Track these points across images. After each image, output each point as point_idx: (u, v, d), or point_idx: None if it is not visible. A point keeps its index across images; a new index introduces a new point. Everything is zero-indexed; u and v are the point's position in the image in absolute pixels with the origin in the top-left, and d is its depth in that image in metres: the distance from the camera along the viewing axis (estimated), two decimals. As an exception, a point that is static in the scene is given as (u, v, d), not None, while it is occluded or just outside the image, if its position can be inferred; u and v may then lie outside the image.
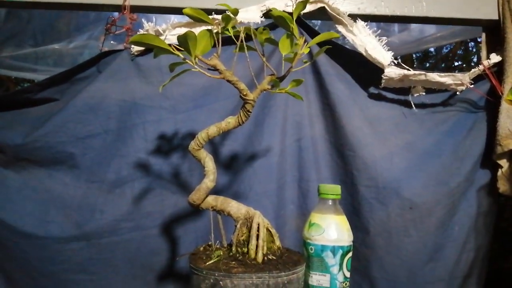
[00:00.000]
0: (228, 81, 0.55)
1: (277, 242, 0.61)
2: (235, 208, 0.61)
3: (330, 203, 0.66)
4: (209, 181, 0.59)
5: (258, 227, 0.58)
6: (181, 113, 0.88)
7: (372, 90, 0.92)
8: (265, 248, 0.57)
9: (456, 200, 0.89)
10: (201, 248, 0.63)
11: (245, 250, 0.58)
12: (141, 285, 0.88)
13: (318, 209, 0.66)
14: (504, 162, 0.87)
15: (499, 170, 0.88)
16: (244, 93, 0.56)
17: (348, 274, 0.64)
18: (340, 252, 0.63)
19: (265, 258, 0.57)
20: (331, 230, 0.63)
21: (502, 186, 0.87)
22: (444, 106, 0.93)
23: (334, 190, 0.65)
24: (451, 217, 0.90)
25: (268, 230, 0.60)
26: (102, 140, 0.87)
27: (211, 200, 0.62)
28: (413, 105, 0.90)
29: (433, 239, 0.89)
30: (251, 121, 0.90)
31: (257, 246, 0.57)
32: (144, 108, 0.88)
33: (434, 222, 0.88)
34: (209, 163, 0.60)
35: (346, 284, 0.63)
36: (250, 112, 0.58)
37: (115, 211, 0.86)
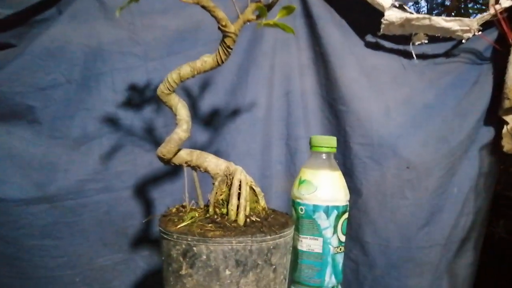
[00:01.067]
0: (203, 7, 0.45)
1: (262, 202, 0.52)
2: (213, 163, 0.52)
3: (324, 157, 0.57)
4: (181, 131, 0.50)
5: (240, 185, 0.50)
6: (154, 61, 0.78)
7: (370, 38, 0.84)
8: (247, 208, 0.49)
9: (456, 160, 0.83)
10: (174, 210, 0.55)
11: (224, 211, 0.50)
12: (113, 251, 0.81)
13: (309, 164, 0.58)
14: (510, 118, 0.79)
15: (504, 127, 0.81)
16: (223, 23, 0.46)
17: (343, 238, 0.57)
18: (335, 213, 0.55)
19: (248, 220, 0.49)
20: (325, 187, 0.55)
21: (507, 145, 0.80)
22: (447, 57, 0.85)
23: (328, 142, 0.57)
24: (451, 177, 0.84)
25: (251, 188, 0.52)
26: (64, 91, 0.77)
27: (185, 154, 0.53)
28: (414, 55, 0.82)
29: (430, 202, 0.83)
30: (234, 71, 0.81)
31: (238, 206, 0.49)
32: (111, 54, 0.77)
33: (432, 183, 0.83)
34: (182, 110, 0.51)
35: (340, 249, 0.56)
36: (231, 49, 0.49)
37: (81, 171, 0.77)
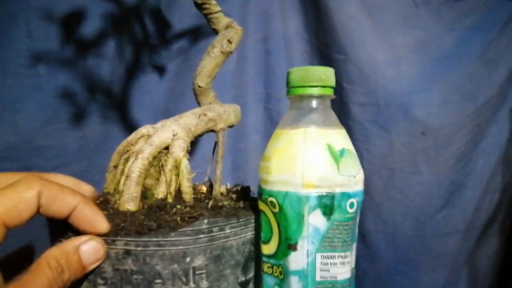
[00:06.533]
0: None
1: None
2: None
3: (315, 105, 0.34)
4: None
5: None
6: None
7: (372, -34, 0.66)
8: None
9: (483, 122, 0.68)
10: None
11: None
12: (42, 250, 0.62)
13: (327, 120, 0.33)
14: (553, 67, 0.62)
15: (546, 78, 0.64)
16: None
17: None
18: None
19: None
20: (357, 159, 0.34)
21: (548, 102, 0.63)
22: (470, -8, 0.67)
23: (327, 76, 0.33)
24: (475, 146, 0.69)
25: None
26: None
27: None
28: (429, -13, 0.64)
29: (450, 177, 0.68)
30: (192, 8, 0.62)
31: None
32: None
33: (453, 153, 0.67)
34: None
35: None
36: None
37: (-11, 146, 0.58)
